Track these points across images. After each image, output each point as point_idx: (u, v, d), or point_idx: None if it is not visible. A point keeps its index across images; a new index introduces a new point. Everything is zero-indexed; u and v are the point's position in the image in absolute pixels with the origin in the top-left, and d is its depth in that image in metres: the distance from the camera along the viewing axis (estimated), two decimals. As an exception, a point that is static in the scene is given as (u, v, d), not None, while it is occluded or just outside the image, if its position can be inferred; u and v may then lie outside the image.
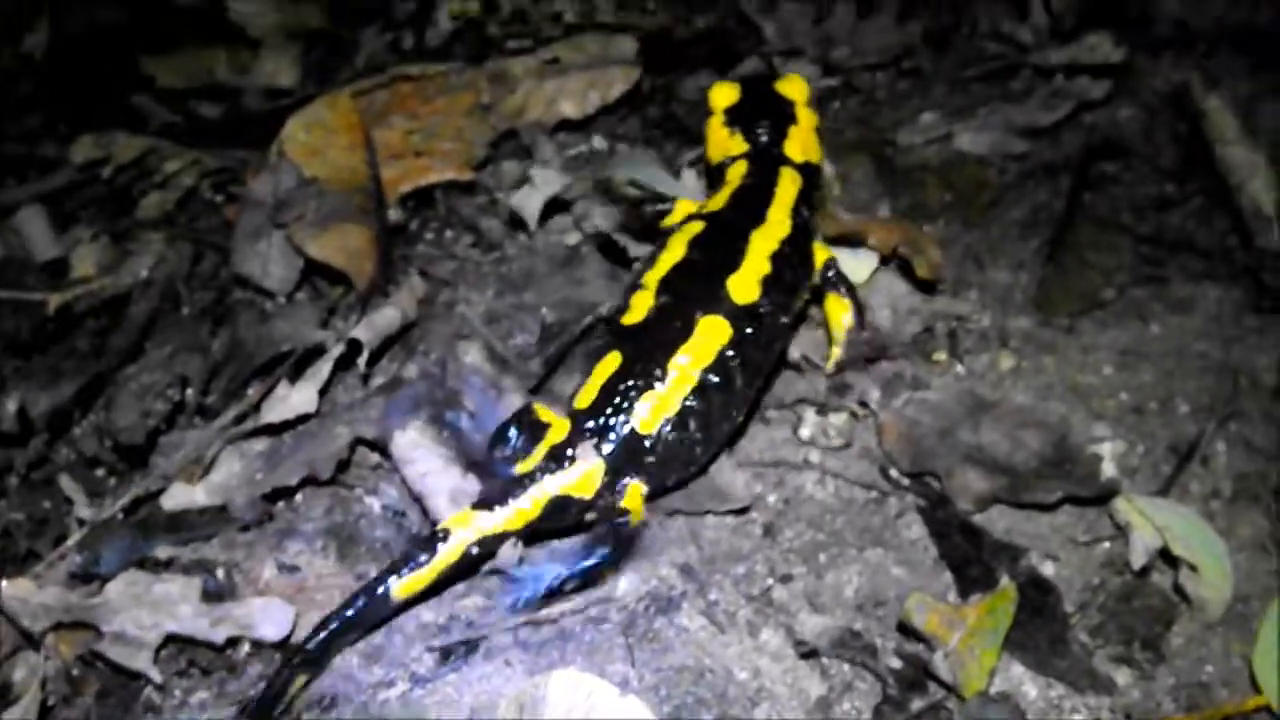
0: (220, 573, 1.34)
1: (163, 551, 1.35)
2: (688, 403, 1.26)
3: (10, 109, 1.94)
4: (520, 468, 1.26)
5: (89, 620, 1.27)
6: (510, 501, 1.23)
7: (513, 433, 1.32)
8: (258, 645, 1.26)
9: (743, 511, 1.32)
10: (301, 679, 1.21)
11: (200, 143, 1.81)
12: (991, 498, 1.31)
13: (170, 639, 1.26)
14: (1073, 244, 1.56)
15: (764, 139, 1.49)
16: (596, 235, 1.57)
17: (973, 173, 1.65)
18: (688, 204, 1.47)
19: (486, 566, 1.27)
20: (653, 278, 1.34)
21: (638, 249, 1.51)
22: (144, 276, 1.62)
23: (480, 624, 1.26)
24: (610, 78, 1.78)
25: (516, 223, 1.63)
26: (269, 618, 1.26)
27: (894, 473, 1.36)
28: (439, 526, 1.23)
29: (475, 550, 1.23)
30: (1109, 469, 1.31)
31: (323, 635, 1.19)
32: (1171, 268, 1.55)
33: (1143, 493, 1.32)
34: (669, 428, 1.26)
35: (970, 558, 1.27)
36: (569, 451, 1.25)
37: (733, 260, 1.33)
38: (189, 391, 1.50)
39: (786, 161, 1.47)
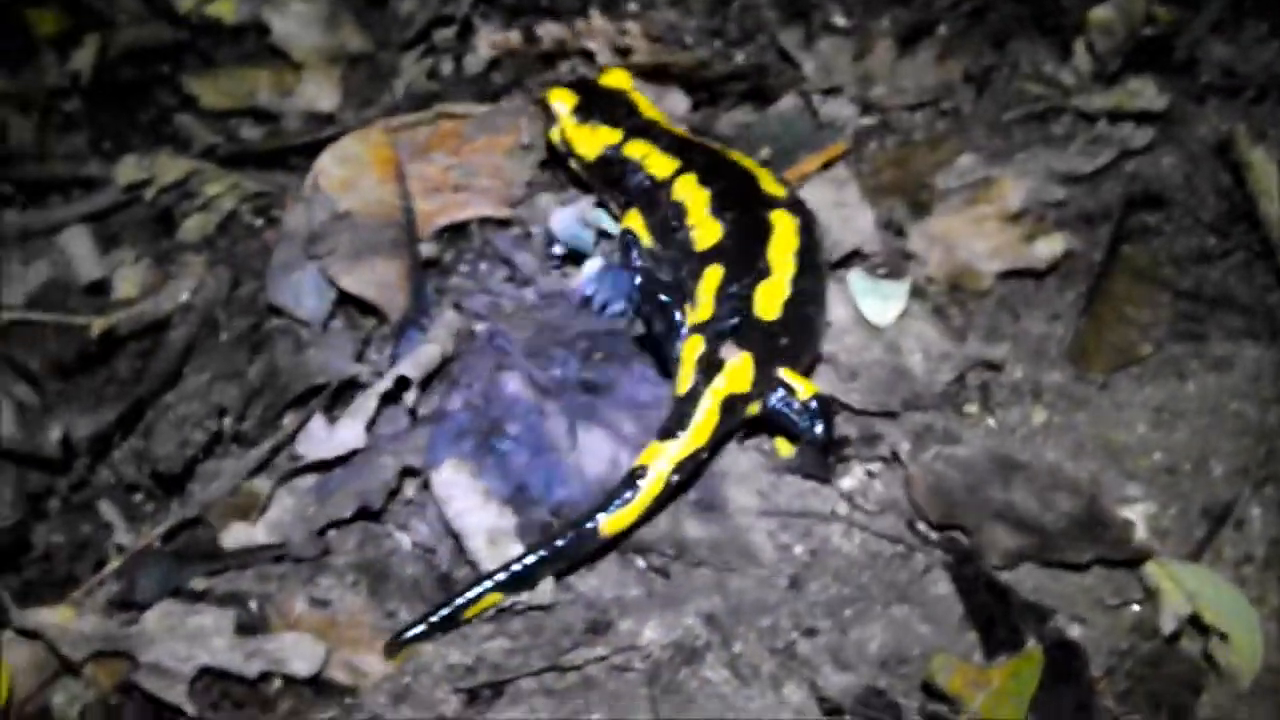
0: (253, 605, 1.38)
1: (198, 582, 1.39)
2: (797, 286, 1.38)
3: (56, 127, 1.97)
4: (679, 389, 1.35)
5: (126, 649, 1.31)
6: (688, 423, 1.31)
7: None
8: (289, 680, 1.30)
9: (769, 562, 1.35)
10: (498, 597, 1.29)
11: (241, 165, 1.84)
12: (1020, 556, 1.32)
13: (204, 671, 1.30)
14: (1110, 296, 1.56)
15: (631, 120, 1.61)
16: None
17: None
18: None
19: (522, 604, 1.30)
20: (699, 214, 1.47)
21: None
22: (184, 301, 1.64)
23: (506, 667, 1.28)
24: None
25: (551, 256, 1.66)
26: (300, 653, 1.30)
27: (921, 527, 1.37)
28: (636, 464, 1.31)
29: (675, 478, 1.31)
30: (1141, 531, 1.32)
31: (530, 561, 1.28)
32: (1210, 324, 1.54)
33: (1174, 556, 1.33)
34: (789, 311, 1.37)
35: (997, 617, 1.28)
36: (714, 358, 1.34)
37: (744, 175, 1.51)
38: (226, 421, 1.52)
39: (663, 128, 1.62)
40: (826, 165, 1.72)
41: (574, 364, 1.50)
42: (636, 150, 1.57)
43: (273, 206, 1.80)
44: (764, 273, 1.38)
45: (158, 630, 1.31)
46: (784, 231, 1.42)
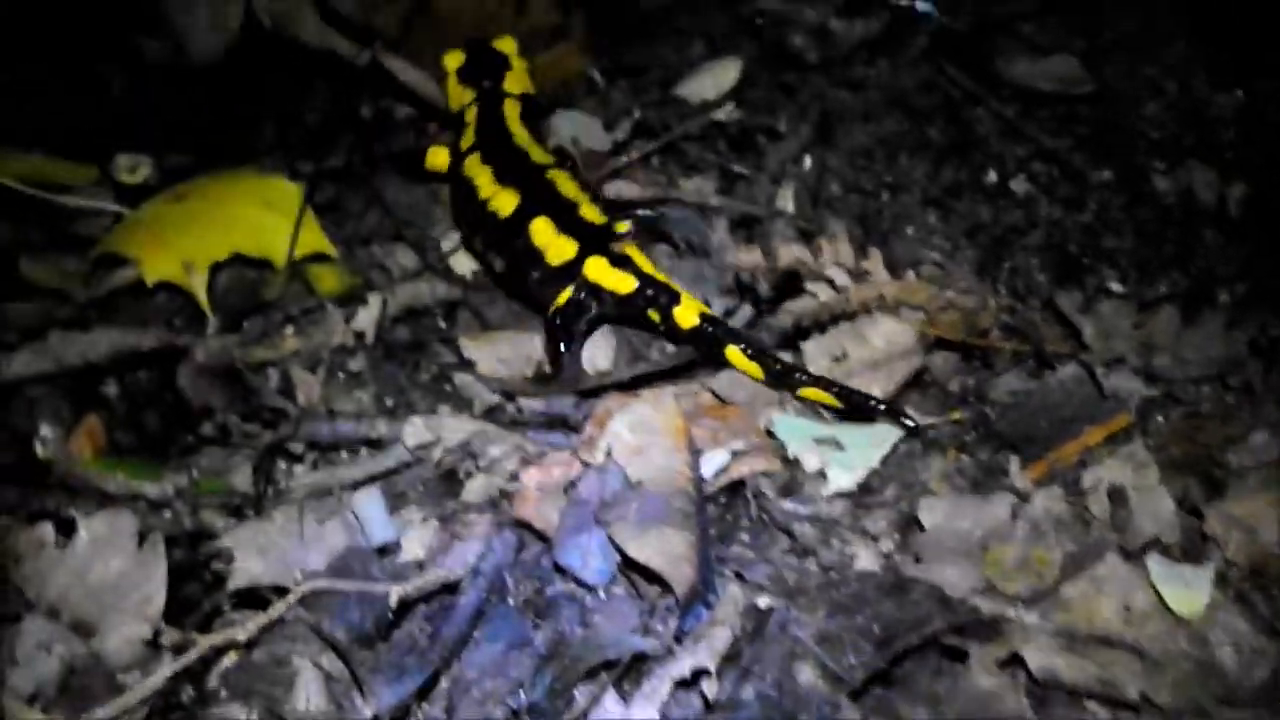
0: None
1: None
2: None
3: (342, 386, 2.19)
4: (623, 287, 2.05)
5: None
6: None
7: None
8: None
9: None
10: None
11: (520, 425, 2.02)
12: None
13: None
14: None
15: (487, 84, 2.30)
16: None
17: (1314, 503, 1.69)
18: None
19: None
20: (490, 187, 2.12)
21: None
22: (472, 564, 1.80)
23: None
24: (893, 369, 1.96)
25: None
26: None
27: (1242, 834, 1.41)
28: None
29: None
30: None
31: None
32: None
33: None
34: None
35: None
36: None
37: (518, 150, 2.17)
38: (522, 694, 1.66)
39: (506, 95, 2.29)
40: (1109, 438, 1.80)
41: (869, 652, 1.58)
42: (470, 115, 2.26)
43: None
44: (573, 202, 2.04)
45: None
46: (562, 179, 2.09)
